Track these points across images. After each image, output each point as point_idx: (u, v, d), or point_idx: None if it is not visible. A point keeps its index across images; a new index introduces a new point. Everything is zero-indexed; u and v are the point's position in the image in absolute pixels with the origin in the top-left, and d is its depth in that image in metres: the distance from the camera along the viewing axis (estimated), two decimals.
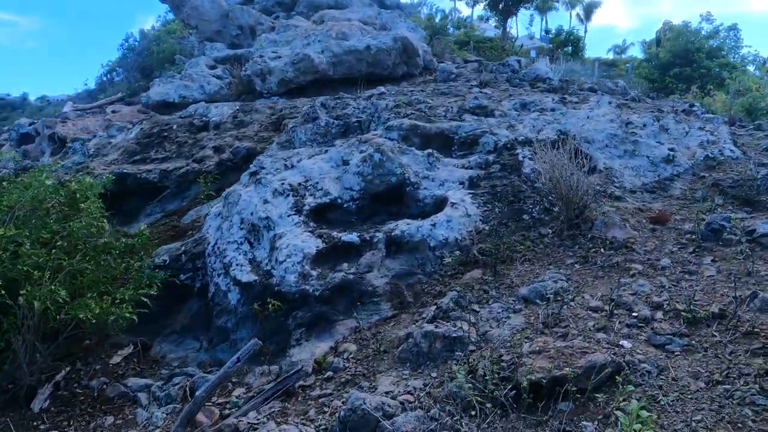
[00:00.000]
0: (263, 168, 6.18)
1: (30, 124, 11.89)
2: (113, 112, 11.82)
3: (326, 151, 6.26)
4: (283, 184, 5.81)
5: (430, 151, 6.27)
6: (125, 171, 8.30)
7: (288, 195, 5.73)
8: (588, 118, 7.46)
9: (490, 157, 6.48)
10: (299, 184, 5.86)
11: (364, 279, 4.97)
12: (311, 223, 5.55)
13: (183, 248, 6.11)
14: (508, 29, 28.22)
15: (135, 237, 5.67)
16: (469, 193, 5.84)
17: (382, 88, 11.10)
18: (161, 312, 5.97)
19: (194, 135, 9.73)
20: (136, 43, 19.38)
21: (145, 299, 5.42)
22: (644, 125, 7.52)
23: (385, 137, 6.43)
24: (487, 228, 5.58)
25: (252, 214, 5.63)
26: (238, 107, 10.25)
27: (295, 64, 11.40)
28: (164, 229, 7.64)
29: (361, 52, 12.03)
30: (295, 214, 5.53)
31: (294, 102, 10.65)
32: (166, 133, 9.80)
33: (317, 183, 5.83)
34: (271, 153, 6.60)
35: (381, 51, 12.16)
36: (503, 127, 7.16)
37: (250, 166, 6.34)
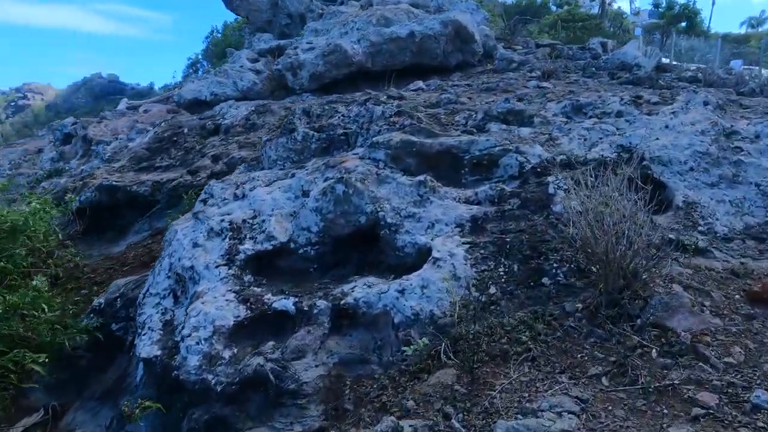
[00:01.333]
0: (212, 196, 4.94)
1: (72, 124, 11.83)
2: (144, 111, 11.40)
3: (292, 176, 4.87)
4: (223, 221, 4.53)
5: (423, 178, 4.63)
6: (114, 184, 7.56)
7: (225, 237, 4.44)
8: (667, 127, 5.30)
9: (508, 187, 4.69)
10: (243, 221, 4.54)
11: (288, 370, 3.56)
12: (246, 277, 4.22)
13: (122, 290, 5.12)
14: (608, 3, 24.67)
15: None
16: (466, 243, 4.15)
17: (420, 83, 9.44)
18: (90, 367, 5.04)
19: (203, 140, 8.83)
20: (219, 36, 19.28)
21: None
22: (757, 136, 5.20)
23: (369, 158, 4.89)
24: (483, 298, 3.88)
25: (180, 260, 4.43)
26: (253, 108, 9.18)
27: (325, 57, 10.08)
28: (141, 252, 6.77)
29: (403, 40, 10.40)
30: (224, 265, 4.23)
31: (318, 100, 9.35)
32: (176, 138, 9.00)
33: (264, 221, 4.48)
34: (232, 176, 5.35)
35: (427, 38, 10.43)
36: (539, 141, 5.28)
37: (202, 192, 5.14)
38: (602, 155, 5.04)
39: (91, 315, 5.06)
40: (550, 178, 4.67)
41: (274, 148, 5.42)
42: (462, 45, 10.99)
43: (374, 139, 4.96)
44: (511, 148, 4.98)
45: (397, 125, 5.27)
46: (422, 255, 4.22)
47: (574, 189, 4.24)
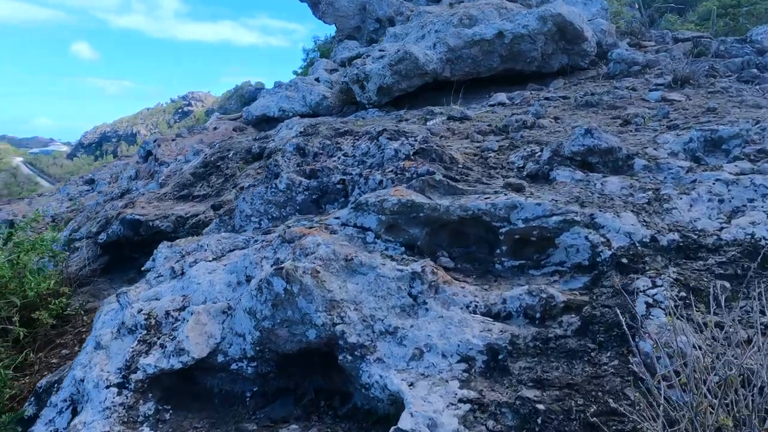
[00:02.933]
0: (153, 266, 3.73)
1: (154, 141, 11.80)
2: (214, 129, 10.93)
3: (245, 248, 3.46)
4: (141, 310, 3.27)
5: (419, 268, 2.91)
6: (137, 218, 6.85)
7: (136, 337, 3.17)
8: None
9: (563, 292, 2.76)
10: (167, 314, 3.23)
11: None
12: (144, 408, 2.89)
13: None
14: None
15: None
16: (464, 402, 2.38)
17: (501, 96, 7.50)
18: None
19: (245, 165, 7.86)
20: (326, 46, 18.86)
21: None
22: None
23: (355, 225, 3.30)
24: None
25: (78, 364, 3.27)
26: (302, 128, 8.00)
27: (392, 66, 8.56)
28: None
29: (489, 42, 8.47)
30: (116, 386, 2.95)
31: (377, 119, 7.87)
32: (220, 163, 8.17)
33: (184, 320, 3.12)
34: (182, 241, 4.09)
35: (519, 38, 8.38)
36: (634, 204, 3.22)
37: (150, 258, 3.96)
38: (752, 236, 2.87)
39: (32, 400, 4.16)
40: (640, 281, 2.66)
41: (249, 200, 4.07)
42: (567, 45, 8.72)
43: (361, 198, 3.34)
44: (578, 218, 3.03)
45: (408, 173, 3.59)
46: (398, 405, 2.55)
47: (685, 310, 2.31)
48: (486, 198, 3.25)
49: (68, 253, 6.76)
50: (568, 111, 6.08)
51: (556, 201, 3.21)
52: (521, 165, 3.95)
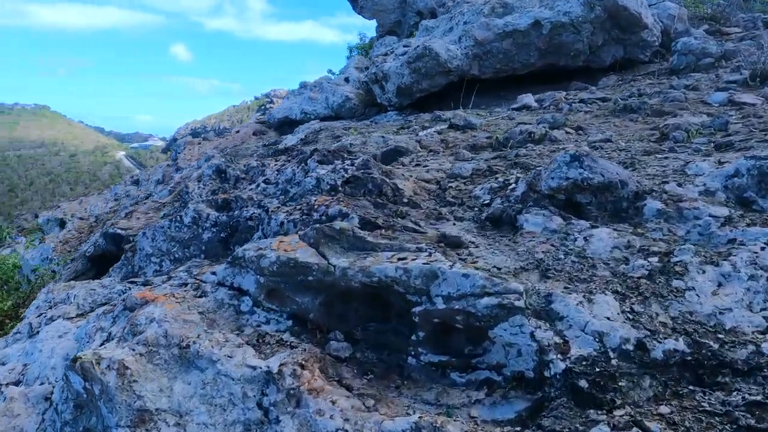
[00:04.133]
0: (26, 316, 3.10)
1: (183, 144, 11.62)
2: (236, 132, 10.47)
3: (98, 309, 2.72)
4: None
5: (276, 366, 2.00)
6: (118, 232, 6.42)
7: None
8: None
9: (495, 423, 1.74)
10: None
11: None
12: None
13: None
14: None
15: None
16: None
17: (527, 98, 6.31)
18: None
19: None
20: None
21: None
22: None
23: (230, 286, 2.45)
24: None
25: None
26: (303, 136, 7.23)
27: (410, 64, 7.54)
28: None
29: (524, 34, 7.22)
30: None
31: (382, 125, 6.92)
32: (224, 174, 7.61)
33: None
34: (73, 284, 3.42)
35: (561, 27, 7.05)
36: (617, 284, 2.09)
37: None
38: None
39: None
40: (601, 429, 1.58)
41: (151, 236, 3.34)
42: (621, 34, 7.25)
43: (239, 250, 2.47)
44: (520, 303, 1.96)
45: (316, 214, 2.66)
46: None
47: None
48: (401, 259, 2.26)
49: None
50: (600, 118, 4.80)
51: (499, 270, 2.15)
52: (487, 201, 2.88)
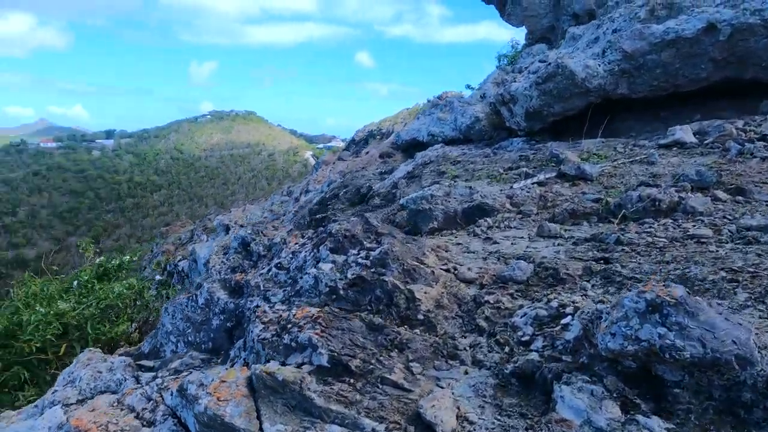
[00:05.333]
0: (54, 389, 3.13)
1: (323, 161, 11.95)
2: (366, 153, 10.27)
3: (115, 392, 2.54)
4: None
5: None
6: None
7: None
8: None
9: None
10: None
11: None
12: None
13: None
14: None
15: None
16: None
17: (681, 131, 4.84)
18: None
19: (350, 208, 6.96)
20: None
21: None
22: None
23: (173, 415, 2.05)
24: None
25: None
26: (412, 167, 6.64)
27: (539, 85, 6.41)
28: None
29: (692, 42, 5.56)
30: None
31: (491, 161, 5.94)
32: (331, 203, 7.47)
33: None
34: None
35: (747, 31, 5.25)
36: None
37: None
38: None
39: None
40: None
41: (171, 312, 3.08)
42: None
43: (183, 381, 2.03)
44: None
45: (287, 337, 2.08)
46: None
47: None
48: None
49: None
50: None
51: None
52: (526, 338, 1.98)
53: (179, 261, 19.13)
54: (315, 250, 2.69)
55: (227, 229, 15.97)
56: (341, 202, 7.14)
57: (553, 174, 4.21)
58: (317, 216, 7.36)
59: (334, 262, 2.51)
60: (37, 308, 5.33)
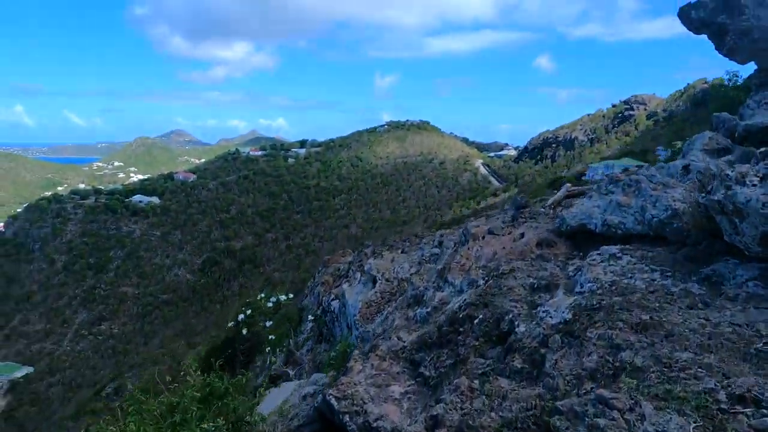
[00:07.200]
0: None
1: (470, 232, 10.40)
2: (521, 235, 8.29)
3: None
4: None
5: None
6: (331, 402, 5.60)
7: None
8: None
9: None
10: None
11: None
12: None
13: None
14: None
15: None
16: None
17: None
18: None
19: (483, 346, 5.39)
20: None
21: None
22: None
23: None
24: None
25: None
26: (572, 312, 4.76)
27: None
28: None
29: None
30: None
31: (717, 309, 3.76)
32: (463, 327, 5.94)
33: None
34: None
35: None
36: None
37: None
38: None
39: None
40: None
41: None
42: None
43: None
44: None
45: None
46: None
47: None
48: None
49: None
50: None
51: None
52: None
53: (332, 300, 19.34)
54: None
55: (374, 280, 15.40)
56: (473, 335, 5.59)
57: None
58: (438, 351, 5.93)
59: None
60: None
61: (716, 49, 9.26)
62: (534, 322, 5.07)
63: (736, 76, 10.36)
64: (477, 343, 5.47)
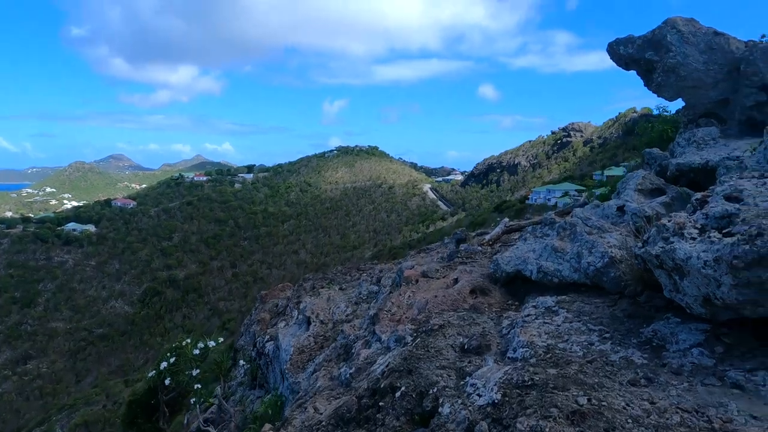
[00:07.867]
0: None
1: (406, 271, 9.73)
2: (455, 281, 7.71)
3: None
4: None
5: None
6: None
7: None
8: None
9: None
10: None
11: None
12: None
13: None
14: None
15: None
16: None
17: None
18: None
19: (405, 428, 4.60)
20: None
21: None
22: None
23: None
24: None
25: None
26: (501, 393, 4.08)
27: (738, 271, 3.52)
28: None
29: None
30: None
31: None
32: (384, 401, 5.15)
33: None
34: None
35: None
36: None
37: None
38: None
39: None
40: None
41: None
42: None
43: None
44: None
45: None
46: None
47: None
48: None
49: None
50: None
51: None
52: None
53: (267, 341, 18.09)
54: None
55: (309, 322, 14.40)
56: (394, 413, 4.80)
57: None
58: (367, 410, 5.12)
59: None
60: None
61: (645, 85, 9.18)
62: (460, 402, 4.34)
63: (666, 110, 10.48)
64: (398, 424, 4.67)
